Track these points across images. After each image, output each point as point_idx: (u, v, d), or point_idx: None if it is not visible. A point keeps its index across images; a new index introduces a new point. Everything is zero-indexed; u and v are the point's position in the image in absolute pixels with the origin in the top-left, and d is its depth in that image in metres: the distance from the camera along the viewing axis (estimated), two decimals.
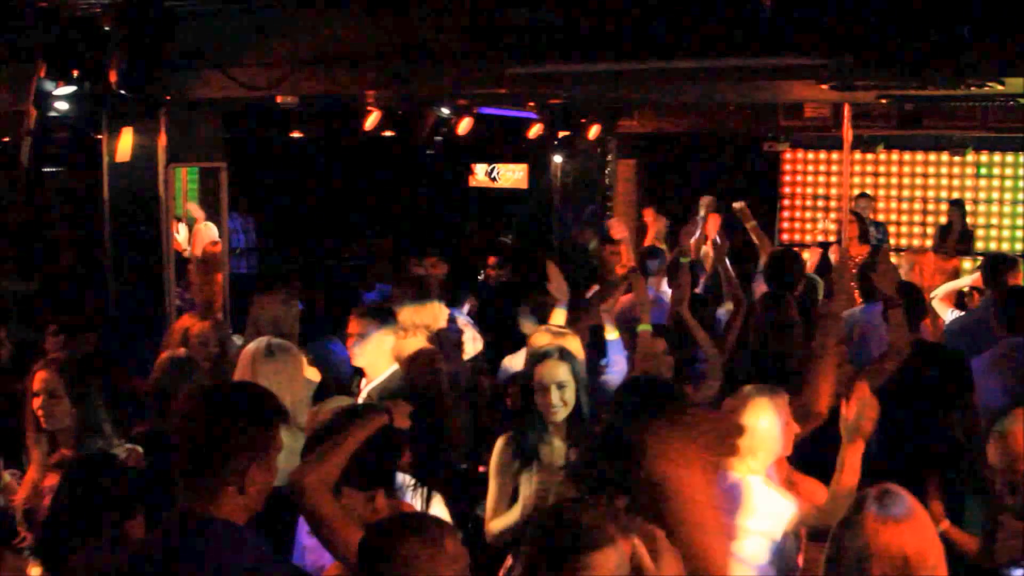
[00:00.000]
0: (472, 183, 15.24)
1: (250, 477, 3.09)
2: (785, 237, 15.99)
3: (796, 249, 10.03)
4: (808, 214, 16.07)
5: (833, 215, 14.16)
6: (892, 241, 14.58)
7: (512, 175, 14.69)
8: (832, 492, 4.28)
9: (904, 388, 5.58)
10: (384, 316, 5.90)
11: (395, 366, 5.80)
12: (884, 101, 10.12)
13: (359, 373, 6.00)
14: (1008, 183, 15.25)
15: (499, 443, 5.08)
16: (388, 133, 11.98)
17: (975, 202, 15.27)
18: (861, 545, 3.03)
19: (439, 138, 12.25)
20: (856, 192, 14.48)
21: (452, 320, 7.93)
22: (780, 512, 4.42)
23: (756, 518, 4.38)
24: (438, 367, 5.69)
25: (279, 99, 9.10)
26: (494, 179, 14.95)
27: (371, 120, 11.31)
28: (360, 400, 5.58)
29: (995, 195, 15.31)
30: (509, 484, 4.97)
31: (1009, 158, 15.15)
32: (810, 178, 16.07)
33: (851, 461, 4.23)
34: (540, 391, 4.96)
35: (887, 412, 4.58)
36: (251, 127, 11.75)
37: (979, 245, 14.52)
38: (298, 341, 6.43)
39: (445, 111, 11.58)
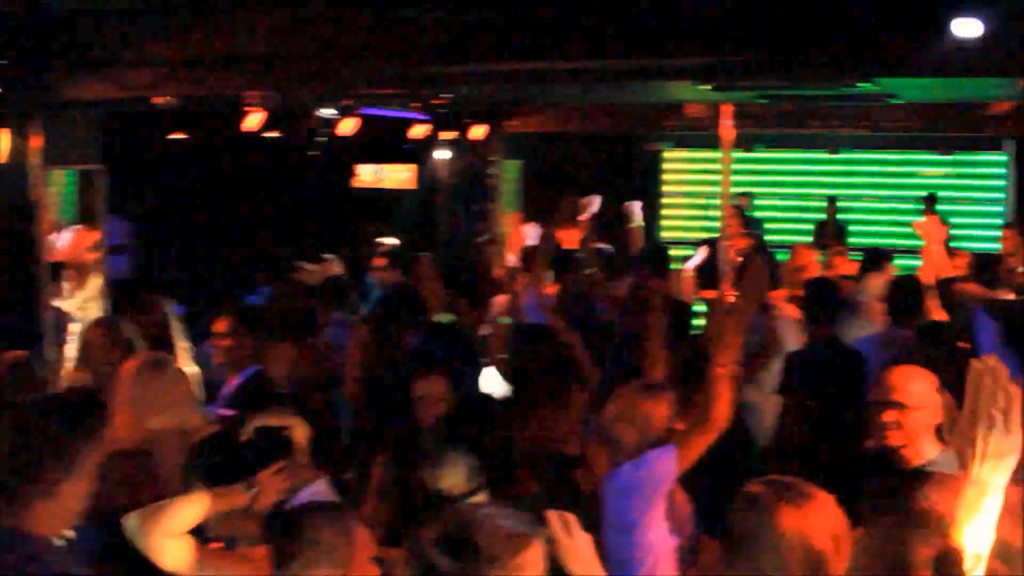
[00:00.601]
0: (358, 184, 15.15)
1: (62, 487, 3.03)
2: (666, 235, 16.22)
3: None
4: (689, 212, 16.34)
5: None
6: (771, 238, 14.89)
7: (399, 175, 14.64)
8: None
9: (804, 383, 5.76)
10: (251, 318, 5.85)
11: (256, 367, 5.75)
12: (762, 101, 10.33)
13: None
14: (882, 180, 15.71)
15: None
16: (272, 134, 11.84)
17: (850, 199, 15.70)
18: (764, 531, 2.89)
19: (323, 139, 12.14)
20: (736, 191, 14.76)
21: (339, 322, 7.91)
22: None
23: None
24: (328, 367, 5.68)
25: (158, 100, 8.96)
26: (380, 180, 14.89)
27: (253, 121, 11.16)
28: (222, 405, 5.53)
29: (870, 192, 15.76)
30: None
31: (883, 156, 15.60)
32: (690, 177, 16.34)
33: None
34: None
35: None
36: (132, 129, 11.52)
37: (854, 240, 14.90)
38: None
39: (329, 112, 11.48)
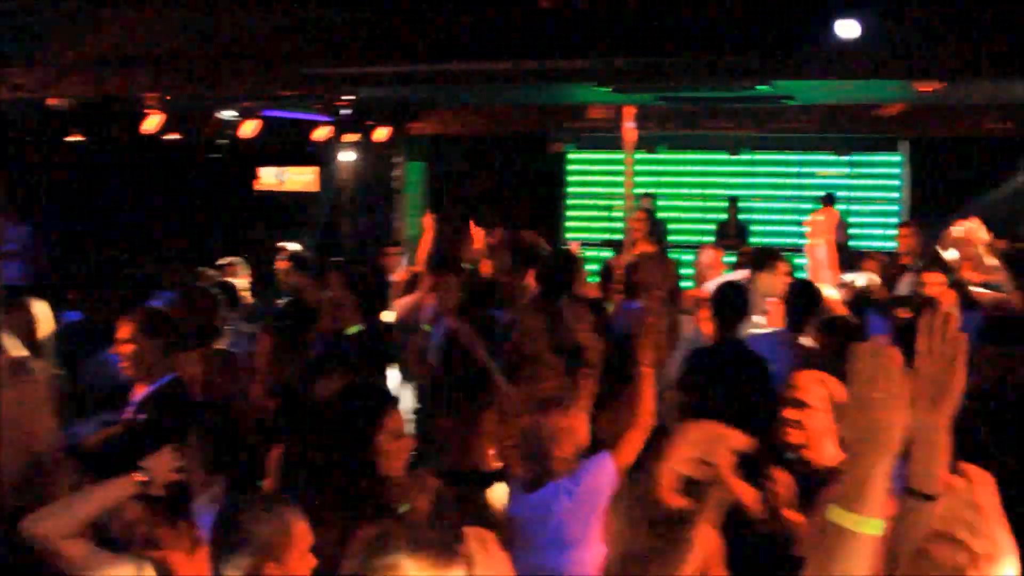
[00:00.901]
0: (260, 187, 15.00)
1: None
2: (571, 236, 16.31)
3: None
4: (593, 214, 16.46)
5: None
6: (673, 238, 15.07)
7: (301, 178, 14.53)
8: None
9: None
10: (157, 323, 5.72)
11: (172, 374, 5.64)
12: (663, 103, 10.46)
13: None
14: (781, 180, 15.98)
15: None
16: (172, 136, 11.68)
17: (751, 199, 15.94)
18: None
19: (225, 141, 12.01)
20: (639, 191, 14.93)
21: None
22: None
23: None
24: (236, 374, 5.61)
25: (52, 102, 8.79)
26: (283, 183, 14.75)
27: (152, 123, 11.00)
28: (132, 411, 5.42)
29: (769, 192, 16.02)
30: None
31: (781, 156, 15.88)
32: (594, 178, 16.46)
33: None
34: None
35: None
36: (27, 130, 11.28)
37: (755, 240, 15.11)
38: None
39: (229, 114, 11.36)
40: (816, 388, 4.43)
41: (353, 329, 6.42)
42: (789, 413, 4.42)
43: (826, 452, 4.38)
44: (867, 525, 2.18)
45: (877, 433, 2.22)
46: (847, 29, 6.04)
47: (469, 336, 6.38)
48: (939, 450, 2.36)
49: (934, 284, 7.50)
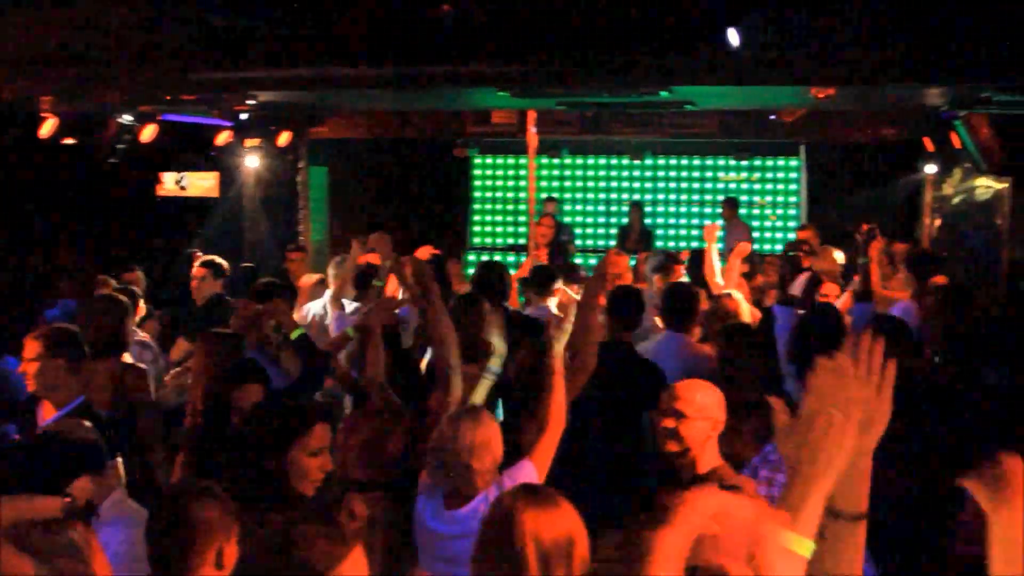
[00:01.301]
0: (161, 192, 14.78)
1: None
2: (476, 241, 16.36)
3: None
4: (499, 218, 16.53)
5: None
6: (578, 242, 15.17)
7: (202, 184, 14.35)
8: None
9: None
10: (62, 340, 5.60)
11: (80, 397, 5.53)
12: (563, 108, 10.54)
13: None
14: (683, 185, 16.18)
15: None
16: (68, 141, 11.47)
17: (653, 203, 16.12)
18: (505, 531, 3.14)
19: (122, 146, 11.81)
20: (543, 196, 15.03)
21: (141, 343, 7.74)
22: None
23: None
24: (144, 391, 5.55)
25: None
26: (183, 188, 14.55)
27: (47, 127, 10.80)
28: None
29: (672, 196, 16.21)
30: None
31: (684, 161, 16.08)
32: (499, 182, 16.52)
33: None
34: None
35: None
36: None
37: (660, 245, 15.28)
38: None
39: (127, 118, 11.18)
40: (696, 396, 4.51)
41: (296, 333, 6.36)
42: (667, 423, 4.49)
43: (703, 461, 4.46)
44: (799, 544, 2.24)
45: (821, 454, 2.27)
46: (735, 36, 6.17)
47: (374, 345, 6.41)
48: (865, 473, 2.40)
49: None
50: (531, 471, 4.59)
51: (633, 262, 10.44)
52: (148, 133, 11.57)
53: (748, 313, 7.28)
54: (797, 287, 8.12)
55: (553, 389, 4.79)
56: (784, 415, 2.38)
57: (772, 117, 12.19)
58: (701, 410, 4.47)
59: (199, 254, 10.53)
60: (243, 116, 11.79)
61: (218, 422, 5.10)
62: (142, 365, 6.60)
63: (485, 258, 13.04)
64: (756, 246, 14.50)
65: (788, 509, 2.27)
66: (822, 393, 2.28)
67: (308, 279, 10.02)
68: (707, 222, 8.64)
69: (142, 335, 7.72)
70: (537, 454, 4.67)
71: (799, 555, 2.23)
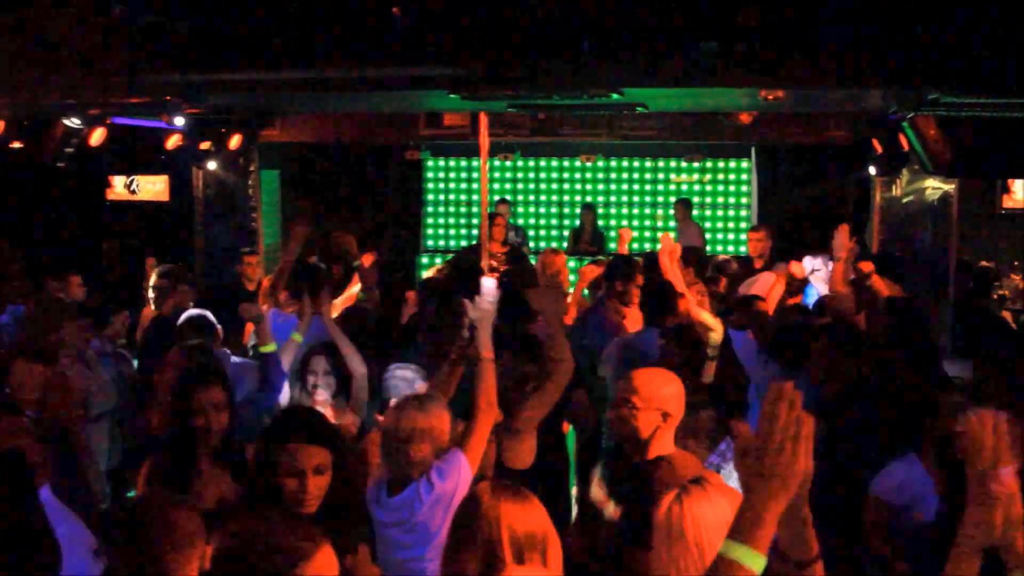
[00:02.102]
0: (111, 196, 14.66)
1: None
2: (430, 243, 16.35)
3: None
4: (452, 220, 16.52)
5: None
6: (531, 244, 15.19)
7: (152, 187, 14.24)
8: None
9: None
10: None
11: None
12: (513, 110, 10.54)
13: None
14: (636, 186, 16.24)
15: None
16: (16, 144, 11.31)
17: (606, 205, 16.16)
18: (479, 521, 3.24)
19: (71, 149, 11.67)
20: (496, 198, 15.04)
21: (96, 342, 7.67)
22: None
23: None
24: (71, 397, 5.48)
25: None
26: (133, 192, 14.44)
27: None
28: None
29: (624, 198, 16.26)
30: None
31: (636, 163, 16.13)
32: (452, 185, 16.52)
33: None
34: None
35: None
36: None
37: (612, 246, 15.32)
38: None
39: (75, 121, 11.04)
40: (649, 385, 4.60)
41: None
42: (622, 412, 4.59)
43: (656, 447, 4.56)
44: (753, 560, 2.27)
45: (776, 475, 2.30)
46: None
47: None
48: (807, 520, 2.49)
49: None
50: (462, 462, 4.64)
51: (585, 263, 10.50)
52: (97, 136, 11.44)
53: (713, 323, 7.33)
54: (759, 286, 8.07)
55: (480, 378, 4.89)
56: (743, 439, 2.44)
57: (727, 119, 12.25)
58: (653, 400, 4.55)
59: (151, 260, 10.46)
60: (189, 120, 11.66)
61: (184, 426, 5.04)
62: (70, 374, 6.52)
63: (439, 260, 13.04)
64: (708, 247, 14.60)
65: (742, 525, 2.33)
66: (774, 417, 2.32)
67: (264, 281, 9.95)
68: (661, 234, 8.65)
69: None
70: (469, 445, 4.73)
71: (751, 570, 2.29)
